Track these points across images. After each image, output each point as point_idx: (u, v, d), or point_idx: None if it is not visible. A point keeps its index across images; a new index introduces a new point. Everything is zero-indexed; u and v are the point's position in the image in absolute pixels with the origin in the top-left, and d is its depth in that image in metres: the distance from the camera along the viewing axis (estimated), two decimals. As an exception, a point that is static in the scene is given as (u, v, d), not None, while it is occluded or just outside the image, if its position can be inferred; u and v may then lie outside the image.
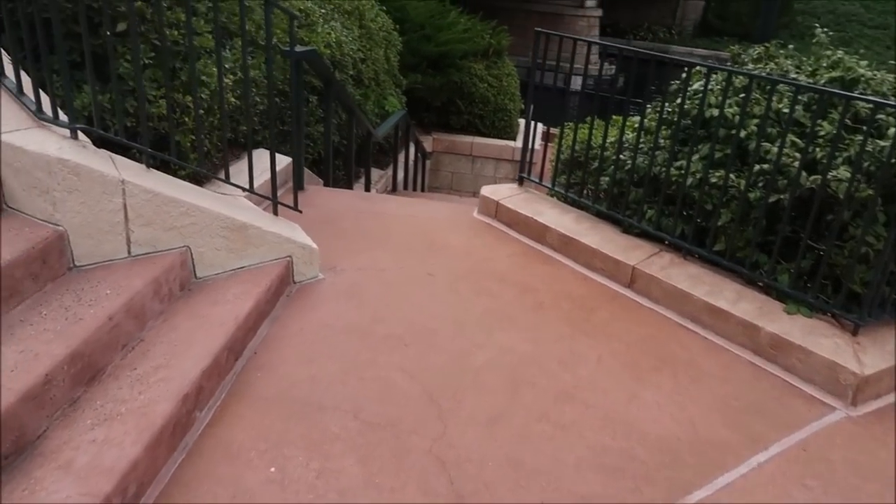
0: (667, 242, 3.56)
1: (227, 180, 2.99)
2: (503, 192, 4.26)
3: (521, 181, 4.38)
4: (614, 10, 30.10)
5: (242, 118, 4.40)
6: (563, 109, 4.53)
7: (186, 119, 3.51)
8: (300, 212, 3.28)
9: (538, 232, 3.89)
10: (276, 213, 3.21)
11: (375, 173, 7.75)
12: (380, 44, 7.70)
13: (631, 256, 3.48)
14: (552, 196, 4.24)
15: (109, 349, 2.25)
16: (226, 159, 3.10)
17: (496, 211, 4.17)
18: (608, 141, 3.94)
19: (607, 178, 3.86)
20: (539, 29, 4.12)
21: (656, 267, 3.38)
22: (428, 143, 10.34)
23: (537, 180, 4.25)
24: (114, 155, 2.69)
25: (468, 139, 10.61)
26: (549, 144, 5.03)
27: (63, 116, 2.59)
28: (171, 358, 2.31)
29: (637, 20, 33.83)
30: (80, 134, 2.63)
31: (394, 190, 7.82)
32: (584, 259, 3.64)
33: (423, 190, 9.64)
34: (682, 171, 3.36)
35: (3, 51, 2.68)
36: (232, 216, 2.86)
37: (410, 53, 9.76)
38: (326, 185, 5.05)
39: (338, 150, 6.67)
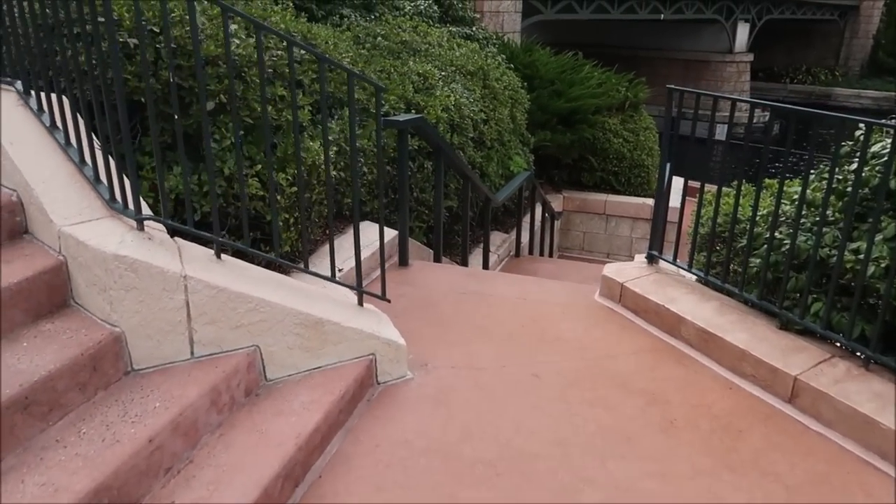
0: (840, 345, 2.81)
1: (306, 269, 2.70)
2: (629, 273, 3.68)
3: (651, 259, 3.77)
4: (767, 54, 28.24)
5: (348, 190, 4.20)
6: (706, 165, 3.91)
7: (280, 198, 3.31)
8: (388, 301, 2.92)
9: (671, 323, 3.26)
10: (360, 303, 2.87)
11: (498, 237, 7.37)
12: (504, 103, 7.41)
13: (792, 363, 2.76)
14: (689, 277, 3.60)
15: (147, 476, 1.96)
16: (305, 244, 2.82)
17: (620, 295, 3.59)
18: (760, 212, 3.27)
19: (759, 260, 3.17)
20: (672, 86, 3.57)
21: (827, 379, 2.64)
22: (558, 201, 9.85)
23: (670, 260, 3.62)
24: (185, 244, 2.49)
25: (601, 197, 9.99)
26: (691, 199, 4.33)
27: (134, 206, 2.43)
28: (216, 489, 1.99)
29: (794, 62, 31.52)
30: (152, 224, 2.45)
31: (517, 255, 7.38)
32: (730, 361, 2.97)
33: (550, 254, 9.11)
34: (861, 256, 2.63)
35: (82, 136, 2.60)
36: (307, 311, 2.55)
37: (539, 110, 9.41)
38: (437, 257, 4.71)
39: (457, 216, 6.37)
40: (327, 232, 4.17)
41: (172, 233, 2.53)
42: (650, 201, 9.82)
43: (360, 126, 4.55)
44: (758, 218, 3.20)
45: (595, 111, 9.74)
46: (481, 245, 6.49)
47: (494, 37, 8.73)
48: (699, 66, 22.95)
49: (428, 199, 5.26)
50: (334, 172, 3.81)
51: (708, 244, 3.49)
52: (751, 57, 25.40)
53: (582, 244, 10.21)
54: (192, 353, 2.39)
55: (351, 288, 2.84)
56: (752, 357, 2.86)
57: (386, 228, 4.30)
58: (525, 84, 9.15)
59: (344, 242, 3.94)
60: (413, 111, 5.31)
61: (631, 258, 10.48)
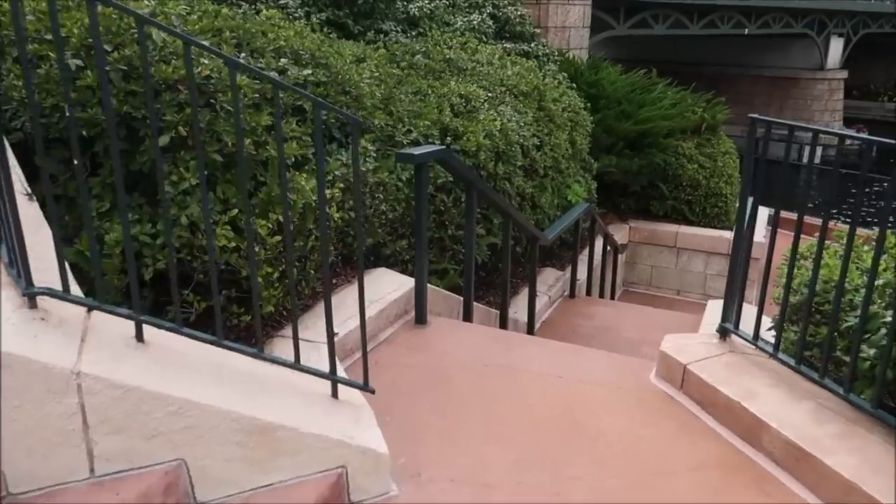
0: None
1: (259, 354, 2.09)
2: (694, 351, 2.90)
3: (723, 333, 2.99)
4: (863, 70, 26.22)
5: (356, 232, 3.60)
6: (798, 197, 3.10)
7: (261, 250, 2.74)
8: (372, 392, 2.29)
9: (749, 427, 2.48)
10: (335, 394, 2.24)
11: (551, 275, 6.63)
12: (563, 126, 6.70)
13: (925, 512, 1.95)
14: (773, 359, 2.79)
15: None
16: (257, 319, 2.23)
17: (683, 380, 2.83)
18: (877, 282, 2.46)
19: (874, 350, 2.36)
20: (754, 115, 2.81)
21: (982, 546, 1.82)
22: (623, 232, 9.00)
23: (749, 337, 2.82)
24: (101, 322, 1.93)
25: (672, 228, 9.07)
26: (784, 233, 3.46)
27: (23, 274, 1.89)
28: None
29: (892, 79, 29.23)
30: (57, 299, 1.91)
31: (572, 295, 6.61)
32: (830, 493, 2.17)
33: (612, 292, 8.27)
34: None
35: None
36: (251, 413, 1.94)
37: (605, 133, 8.62)
38: (468, 310, 4.05)
39: (503, 253, 5.71)
40: (336, 279, 3.59)
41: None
42: (728, 234, 8.84)
43: (383, 156, 3.97)
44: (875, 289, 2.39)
45: (667, 134, 8.87)
46: (524, 292, 5.78)
47: (556, 53, 8.05)
48: (786, 84, 21.41)
49: (463, 235, 4.62)
50: (338, 214, 3.22)
51: (802, 319, 2.69)
52: (844, 74, 23.57)
53: (650, 279, 9.31)
54: (91, 470, 1.82)
55: (322, 376, 2.21)
56: (863, 494, 2.06)
57: (403, 276, 3.69)
58: (589, 105, 8.39)
59: (347, 297, 3.34)
60: (450, 138, 4.69)
61: (704, 297, 9.48)
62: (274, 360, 2.12)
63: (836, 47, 22.80)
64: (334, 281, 3.52)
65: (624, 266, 9.29)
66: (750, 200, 2.98)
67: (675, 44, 21.74)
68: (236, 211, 2.68)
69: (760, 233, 9.44)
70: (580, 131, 7.41)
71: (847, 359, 2.51)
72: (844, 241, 2.47)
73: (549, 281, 6.44)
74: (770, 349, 2.69)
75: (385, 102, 4.27)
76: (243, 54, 2.98)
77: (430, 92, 4.95)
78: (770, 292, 2.88)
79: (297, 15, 5.16)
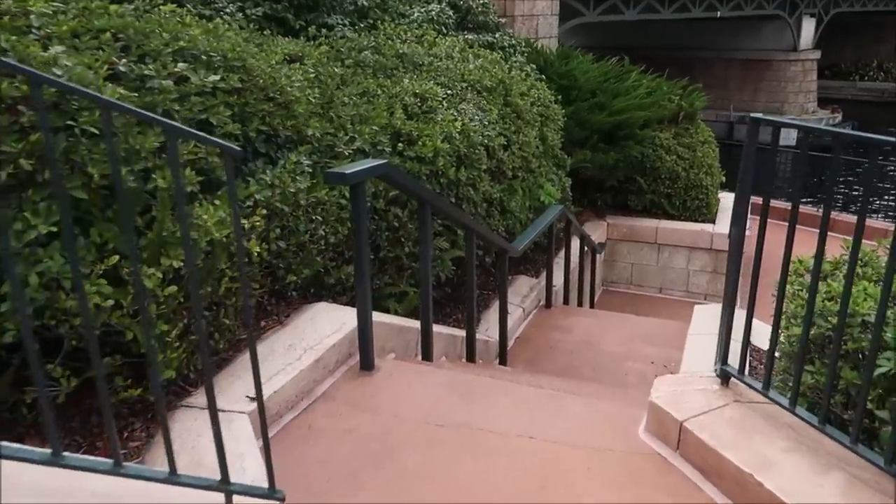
0: None
1: (116, 467, 1.54)
2: (691, 402, 2.40)
3: (724, 377, 2.49)
4: (835, 50, 26.06)
5: (295, 259, 3.06)
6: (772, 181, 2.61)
7: (155, 305, 2.19)
8: (281, 500, 1.75)
9: (765, 507, 1.99)
10: (231, 508, 1.70)
11: (524, 284, 6.13)
12: (532, 122, 6.18)
13: None
14: (787, 411, 2.30)
15: None
16: (111, 429, 1.68)
17: (679, 440, 2.33)
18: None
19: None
20: (756, 115, 2.32)
21: None
22: (600, 229, 8.53)
23: (759, 387, 2.32)
24: None
25: (652, 223, 8.62)
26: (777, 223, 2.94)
27: None
28: None
29: (864, 58, 29.15)
30: None
31: (548, 305, 6.11)
32: None
33: (592, 296, 7.80)
34: None
35: None
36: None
37: (578, 126, 8.13)
38: (427, 341, 3.52)
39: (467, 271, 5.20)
40: (266, 321, 3.04)
41: None
42: (710, 227, 8.42)
43: (322, 169, 3.41)
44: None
45: (643, 125, 8.40)
46: (494, 306, 5.28)
47: (524, 44, 7.52)
48: (760, 67, 21.11)
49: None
50: (259, 248, 2.67)
51: (830, 364, 2.21)
52: (817, 54, 23.34)
53: (630, 277, 8.86)
54: None
55: (210, 488, 1.66)
56: None
57: (347, 311, 3.16)
58: (560, 97, 7.89)
59: (277, 344, 2.80)
60: (403, 144, 4.15)
61: (688, 294, 9.07)
62: (139, 476, 1.57)
63: (809, 28, 22.55)
64: (262, 324, 2.97)
65: (603, 265, 8.83)
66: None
67: (647, 29, 21.33)
68: (117, 258, 2.13)
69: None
70: (551, 126, 6.90)
71: (883, 414, 2.03)
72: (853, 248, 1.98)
73: (523, 291, 5.93)
74: (786, 402, 2.19)
75: (324, 107, 3.71)
76: (125, 60, 2.41)
77: (379, 92, 4.40)
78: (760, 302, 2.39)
79: (228, 11, 4.56)
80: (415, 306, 4.15)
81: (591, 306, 7.77)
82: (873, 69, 29.43)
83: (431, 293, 3.52)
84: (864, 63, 30.24)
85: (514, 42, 7.52)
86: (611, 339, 5.34)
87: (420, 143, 4.18)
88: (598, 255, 8.08)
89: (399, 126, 4.16)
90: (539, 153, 6.52)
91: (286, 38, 4.60)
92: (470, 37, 6.68)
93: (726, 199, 9.27)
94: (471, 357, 4.12)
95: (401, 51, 5.06)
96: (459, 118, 4.77)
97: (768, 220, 2.35)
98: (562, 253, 6.87)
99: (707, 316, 5.80)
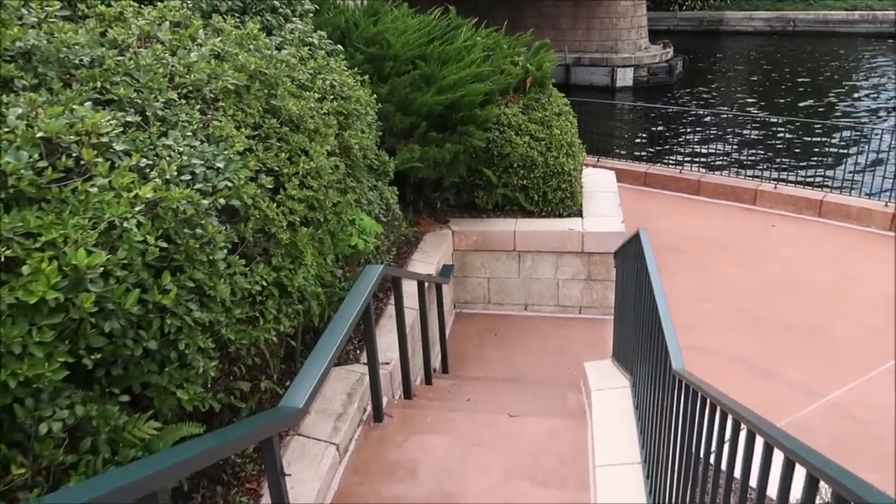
0: None
1: None
2: None
3: None
4: (659, -20, 25.65)
5: None
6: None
7: None
8: None
9: None
10: None
11: (339, 387, 3.99)
12: (322, 133, 3.93)
13: None
14: None
15: None
16: None
17: None
18: None
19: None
20: None
21: None
22: (445, 241, 6.53)
23: None
24: None
25: (507, 225, 6.75)
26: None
27: None
28: None
29: (684, -13, 29.23)
30: None
31: (377, 417, 3.99)
32: None
33: (444, 365, 5.87)
34: None
35: None
36: None
37: (399, 110, 5.96)
38: None
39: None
40: None
41: None
42: (578, 224, 6.70)
43: None
44: None
45: (485, 101, 6.40)
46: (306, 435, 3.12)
47: (305, 3, 5.12)
48: (591, 4, 19.90)
49: None
50: None
51: None
52: (643, -14, 22.64)
53: (487, 294, 7.01)
54: None
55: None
56: None
57: None
58: (371, 74, 5.65)
59: None
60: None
61: (559, 308, 7.32)
62: None
63: (632, -42, 21.65)
64: None
65: (454, 283, 6.89)
66: None
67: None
68: None
69: (611, 216, 7.44)
70: (358, 125, 4.68)
71: None
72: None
73: (336, 405, 3.79)
74: None
75: None
76: None
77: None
78: None
79: None
80: None
81: (445, 370, 5.83)
82: (692, -1, 29.68)
83: None
84: (682, -8, 30.40)
85: (293, 6, 5.07)
86: (478, 484, 3.38)
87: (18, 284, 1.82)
88: (448, 281, 6.09)
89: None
90: (343, 174, 4.31)
91: None
92: (204, 3, 4.17)
93: (589, 179, 7.61)
94: None
95: (24, 42, 2.55)
96: (156, 172, 2.43)
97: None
98: (386, 328, 4.80)
99: (602, 377, 4.04)
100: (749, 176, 9.61)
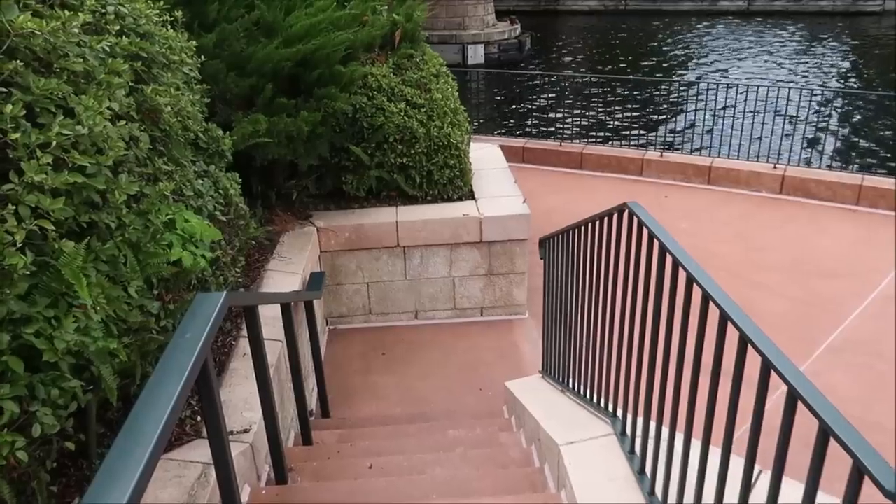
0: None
1: None
2: None
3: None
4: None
5: None
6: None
7: None
8: None
9: None
10: None
11: (168, 491, 2.42)
12: (104, 80, 2.33)
13: None
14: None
15: None
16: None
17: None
18: None
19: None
20: None
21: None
22: (306, 239, 5.03)
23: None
24: None
25: (387, 216, 5.38)
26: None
27: None
28: None
29: (523, -36, 29.14)
30: None
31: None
32: None
33: (324, 408, 4.44)
34: None
35: None
36: None
37: (233, 69, 4.37)
38: None
39: None
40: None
41: None
42: (472, 208, 5.47)
43: None
44: None
45: (346, 56, 4.95)
46: None
47: None
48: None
49: None
50: None
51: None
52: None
53: (368, 304, 5.59)
54: None
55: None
56: None
57: None
58: (186, 25, 4.00)
59: None
60: None
61: (456, 312, 5.94)
62: None
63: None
64: None
65: (326, 294, 5.41)
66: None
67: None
68: None
69: (510, 195, 6.12)
70: (168, 79, 3.09)
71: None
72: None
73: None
74: None
75: None
76: None
77: None
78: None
79: None
80: None
81: (325, 412, 4.37)
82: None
83: None
84: (520, -29, 30.29)
85: None
86: None
87: None
88: (316, 302, 4.60)
89: None
90: (147, 150, 2.71)
91: None
92: None
93: (473, 156, 6.38)
94: None
95: None
96: None
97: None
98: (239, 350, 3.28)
99: (574, 434, 2.84)
100: (634, 145, 8.94)
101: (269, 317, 3.92)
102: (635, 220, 2.33)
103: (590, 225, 2.83)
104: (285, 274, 4.54)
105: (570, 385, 3.35)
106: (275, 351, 3.62)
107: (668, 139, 9.70)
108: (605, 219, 2.61)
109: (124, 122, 2.54)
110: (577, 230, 3.07)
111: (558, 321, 3.62)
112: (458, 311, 5.65)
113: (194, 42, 3.66)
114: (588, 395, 2.98)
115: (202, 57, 3.72)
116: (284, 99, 4.51)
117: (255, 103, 4.46)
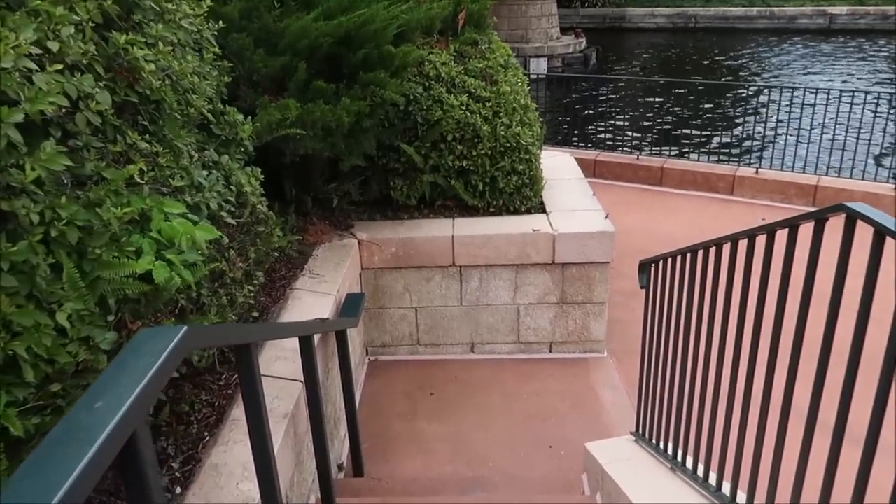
0: None
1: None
2: None
3: None
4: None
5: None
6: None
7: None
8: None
9: None
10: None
11: None
12: (38, 5, 1.54)
13: None
14: None
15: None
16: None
17: None
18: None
19: None
20: None
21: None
22: (345, 254, 4.20)
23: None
24: None
25: (442, 229, 4.51)
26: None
27: None
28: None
29: (584, -18, 28.35)
30: None
31: None
32: None
33: (358, 466, 3.56)
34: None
35: None
36: None
37: (262, 45, 3.61)
38: None
39: None
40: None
41: None
42: (544, 223, 4.55)
43: None
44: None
45: (398, 37, 4.14)
46: None
47: None
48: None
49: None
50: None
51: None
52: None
53: (416, 332, 4.72)
54: None
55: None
56: None
57: None
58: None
59: None
60: None
61: (520, 346, 4.64)
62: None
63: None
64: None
65: (365, 318, 4.57)
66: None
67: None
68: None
69: (589, 209, 4.79)
70: (158, 31, 2.30)
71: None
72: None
73: None
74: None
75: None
76: None
77: None
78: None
79: None
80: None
81: (357, 468, 3.51)
82: (595, -7, 28.86)
83: None
84: (583, -11, 29.54)
85: None
86: None
87: None
88: (350, 329, 3.75)
89: None
90: (113, 119, 1.92)
91: None
92: None
93: (549, 164, 5.43)
94: None
95: None
96: None
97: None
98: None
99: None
100: (724, 160, 7.86)
101: (289, 349, 3.10)
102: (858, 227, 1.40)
103: (756, 237, 1.89)
104: (316, 294, 3.71)
105: (690, 466, 2.37)
106: (293, 394, 2.79)
107: (763, 154, 8.55)
108: (799, 225, 1.68)
109: (79, 75, 1.76)
110: (723, 246, 2.14)
111: (671, 370, 2.66)
112: (523, 345, 4.72)
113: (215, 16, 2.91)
114: (722, 489, 2.01)
115: (220, 23, 2.95)
116: (322, 83, 3.70)
117: (287, 87, 3.68)
